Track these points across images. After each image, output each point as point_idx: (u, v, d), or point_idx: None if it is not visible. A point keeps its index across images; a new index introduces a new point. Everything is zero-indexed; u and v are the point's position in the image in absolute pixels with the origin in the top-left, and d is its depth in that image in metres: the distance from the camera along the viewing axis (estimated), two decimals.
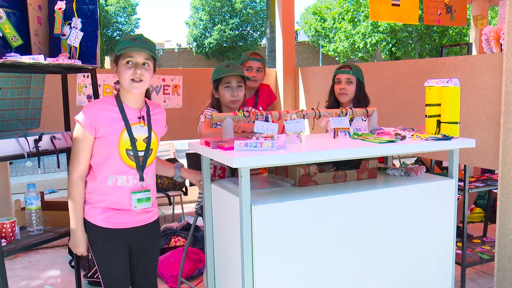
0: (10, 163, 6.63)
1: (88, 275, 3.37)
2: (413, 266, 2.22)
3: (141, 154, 2.05)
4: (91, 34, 2.54)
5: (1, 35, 2.27)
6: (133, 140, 2.02)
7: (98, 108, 2.01)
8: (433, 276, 2.28)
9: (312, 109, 2.39)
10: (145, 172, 2.07)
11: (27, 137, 2.28)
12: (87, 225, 2.06)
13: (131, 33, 23.92)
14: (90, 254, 3.41)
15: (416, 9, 4.83)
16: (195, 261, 3.51)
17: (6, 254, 2.14)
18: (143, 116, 2.07)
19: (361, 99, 2.91)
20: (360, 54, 24.46)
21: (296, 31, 30.68)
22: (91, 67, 2.59)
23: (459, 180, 2.51)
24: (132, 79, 1.98)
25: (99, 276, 2.13)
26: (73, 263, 3.58)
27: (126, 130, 2.00)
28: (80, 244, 2.07)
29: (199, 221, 2.98)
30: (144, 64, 2.00)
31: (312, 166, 2.14)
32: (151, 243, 2.22)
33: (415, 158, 4.90)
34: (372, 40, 23.00)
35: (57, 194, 5.88)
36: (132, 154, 2.02)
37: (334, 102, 2.99)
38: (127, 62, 1.98)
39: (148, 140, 2.07)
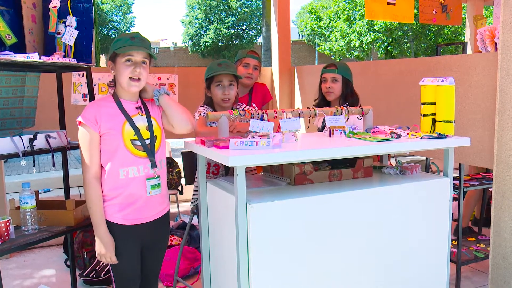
0: (5, 162, 6.61)
1: (84, 274, 3.36)
2: (408, 264, 2.23)
3: (147, 142, 2.07)
4: (86, 33, 2.53)
5: None
6: (136, 129, 2.04)
7: (97, 105, 2.05)
8: (428, 274, 2.29)
9: (308, 107, 2.39)
10: (155, 158, 2.09)
11: (21, 136, 2.27)
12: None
13: (127, 32, 23.86)
14: (86, 253, 3.38)
15: (412, 8, 4.84)
16: (191, 260, 3.51)
17: (1, 254, 2.13)
18: (140, 106, 2.10)
19: (348, 97, 2.90)
20: (355, 53, 24.48)
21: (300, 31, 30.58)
22: (86, 66, 2.58)
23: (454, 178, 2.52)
24: (131, 77, 2.00)
25: (111, 274, 2.13)
26: (68, 262, 3.57)
27: (127, 121, 2.03)
28: (107, 246, 2.01)
29: (195, 220, 2.98)
30: (142, 62, 2.01)
31: (307, 164, 2.14)
32: (162, 237, 2.24)
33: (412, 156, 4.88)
34: (368, 39, 23.02)
35: (52, 193, 5.85)
36: (138, 143, 2.04)
37: (322, 101, 2.99)
38: (127, 61, 1.99)
39: (150, 128, 2.08)
